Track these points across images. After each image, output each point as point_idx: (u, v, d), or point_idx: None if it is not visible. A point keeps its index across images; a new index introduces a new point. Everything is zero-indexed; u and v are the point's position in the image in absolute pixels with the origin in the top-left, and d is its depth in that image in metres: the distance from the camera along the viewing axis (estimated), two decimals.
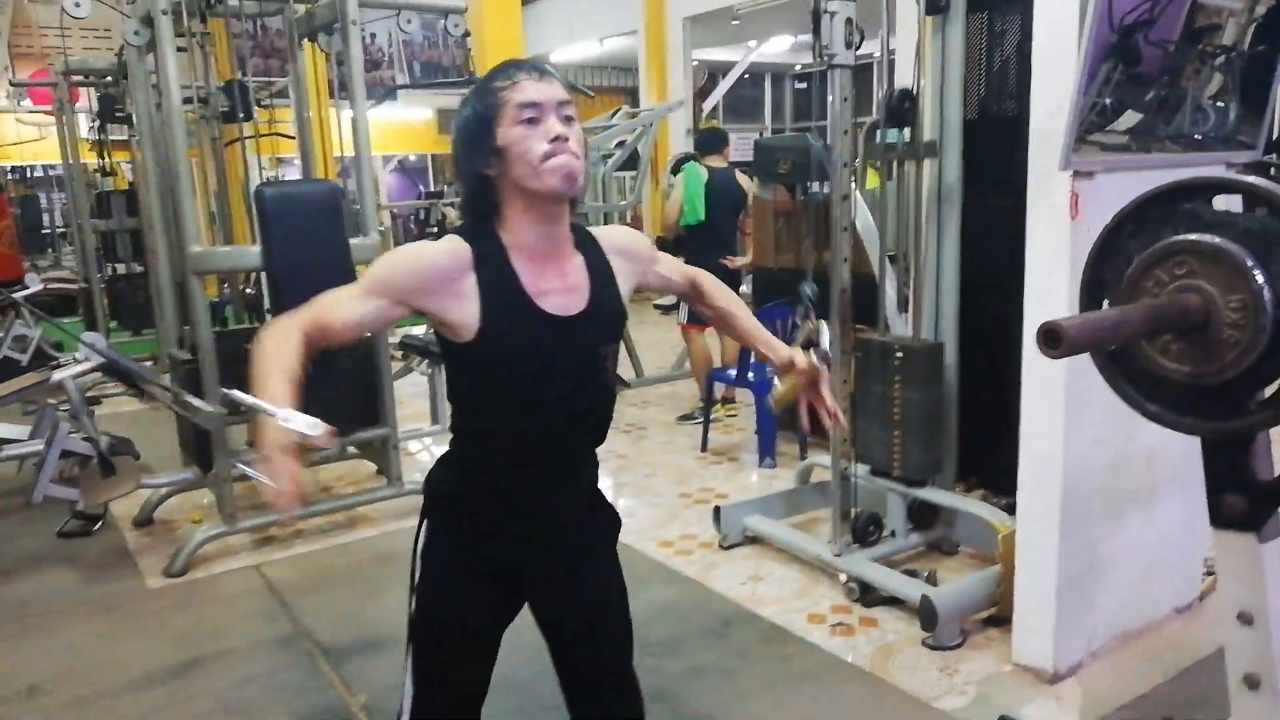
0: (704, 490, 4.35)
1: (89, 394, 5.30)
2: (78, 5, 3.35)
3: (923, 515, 3.48)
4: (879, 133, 3.43)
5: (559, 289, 1.48)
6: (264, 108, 5.44)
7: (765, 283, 5.22)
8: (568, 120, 1.43)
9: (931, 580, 3.21)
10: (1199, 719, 2.40)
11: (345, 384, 3.94)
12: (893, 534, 3.43)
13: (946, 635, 2.84)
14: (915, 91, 3.26)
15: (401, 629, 1.62)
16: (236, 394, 1.29)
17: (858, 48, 2.95)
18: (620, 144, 6.47)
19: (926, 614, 2.82)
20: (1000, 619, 2.93)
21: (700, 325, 5.19)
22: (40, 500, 3.33)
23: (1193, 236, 1.34)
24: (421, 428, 4.73)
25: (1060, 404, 2.49)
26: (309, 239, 3.51)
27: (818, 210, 5.02)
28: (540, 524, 1.59)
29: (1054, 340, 1.19)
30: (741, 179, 5.48)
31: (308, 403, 4.23)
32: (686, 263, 1.82)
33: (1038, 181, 2.48)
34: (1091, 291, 1.53)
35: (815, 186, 4.96)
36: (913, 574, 3.24)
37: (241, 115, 4.29)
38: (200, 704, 2.68)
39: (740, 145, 16.18)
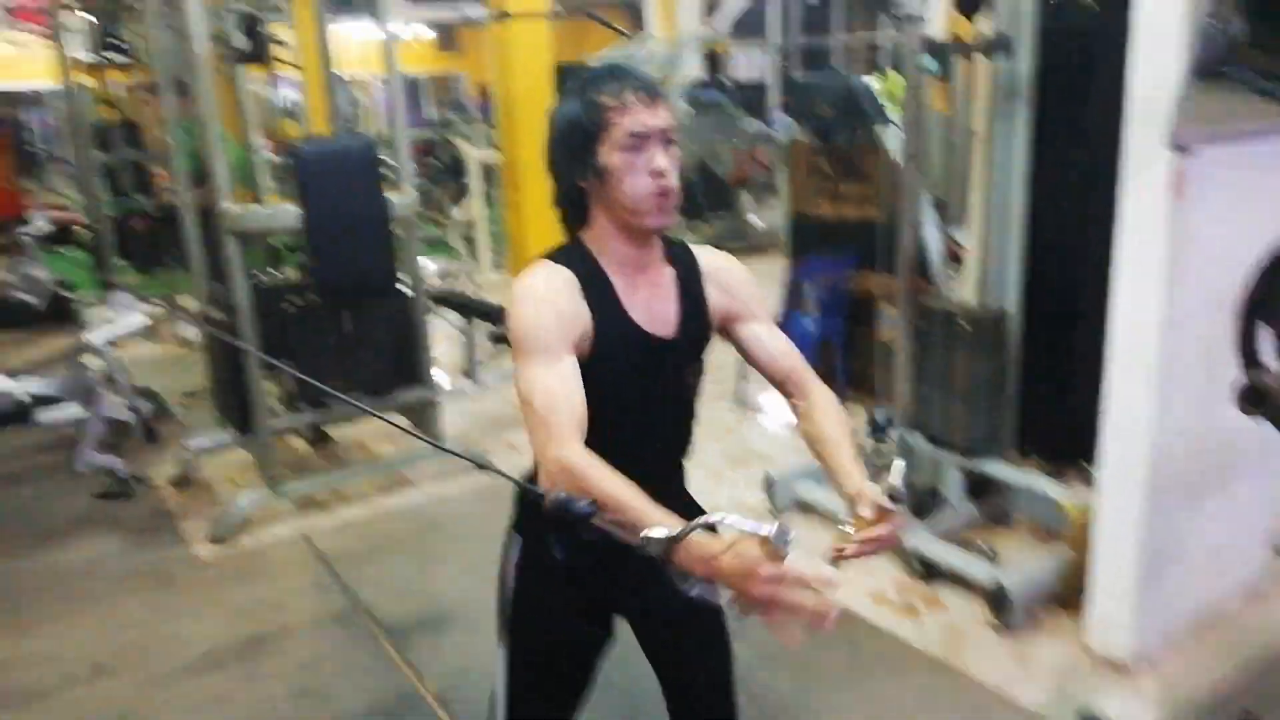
0: (745, 450, 4.31)
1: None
2: None
3: (980, 486, 3.45)
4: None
5: (651, 304, 1.47)
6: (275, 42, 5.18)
7: (803, 233, 5.08)
8: (669, 144, 1.40)
9: (992, 556, 3.20)
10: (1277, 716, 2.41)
11: (383, 342, 3.85)
12: (949, 505, 3.41)
13: (1016, 620, 2.83)
14: None
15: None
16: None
17: None
18: None
19: (999, 601, 2.80)
20: (1067, 600, 2.92)
21: None
22: (84, 469, 3.25)
23: None
24: (463, 388, 4.63)
25: (1155, 386, 2.43)
26: (348, 198, 3.39)
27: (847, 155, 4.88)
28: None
29: (1257, 400, 1.11)
30: None
31: (347, 362, 4.09)
32: None
33: (1136, 157, 2.36)
34: (1251, 312, 1.45)
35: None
36: (972, 548, 3.23)
37: (262, 49, 4.09)
38: (269, 687, 2.65)
39: (745, 64, 15.76)
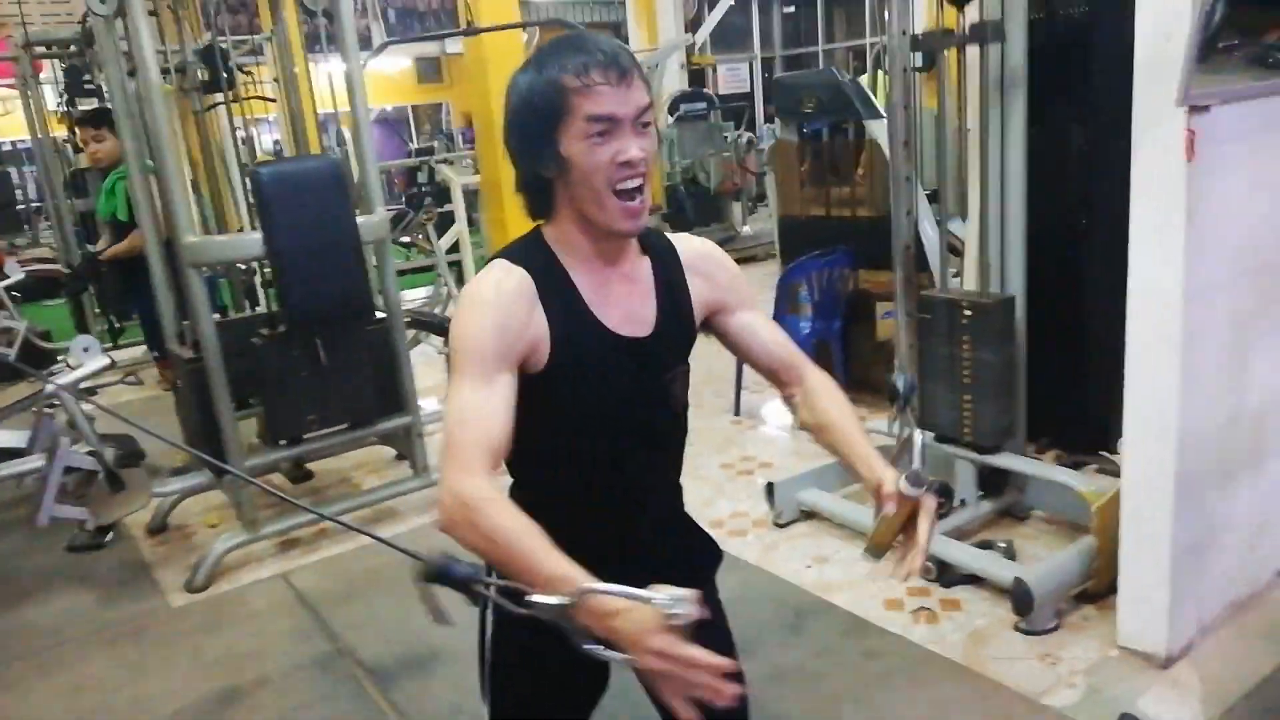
0: (746, 459, 4.13)
1: (84, 385, 5.01)
2: None
3: (993, 481, 3.26)
4: None
5: (624, 302, 1.32)
6: (240, 70, 5.05)
7: (794, 234, 4.92)
8: (644, 129, 1.22)
9: (1010, 553, 3.01)
10: None
11: (363, 371, 3.67)
12: (963, 503, 3.22)
13: (1041, 619, 2.63)
14: None
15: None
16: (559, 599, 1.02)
17: None
18: None
19: (1021, 599, 2.61)
20: (1094, 595, 2.73)
21: None
22: (46, 523, 3.08)
23: None
24: (441, 409, 4.47)
25: (1176, 365, 2.26)
26: (313, 221, 3.21)
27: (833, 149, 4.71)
28: (622, 566, 1.37)
29: None
30: None
31: (324, 394, 3.87)
32: None
33: (1145, 119, 2.20)
34: None
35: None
36: (988, 546, 3.04)
37: (225, 81, 3.94)
38: None
39: (731, 78, 15.70)
